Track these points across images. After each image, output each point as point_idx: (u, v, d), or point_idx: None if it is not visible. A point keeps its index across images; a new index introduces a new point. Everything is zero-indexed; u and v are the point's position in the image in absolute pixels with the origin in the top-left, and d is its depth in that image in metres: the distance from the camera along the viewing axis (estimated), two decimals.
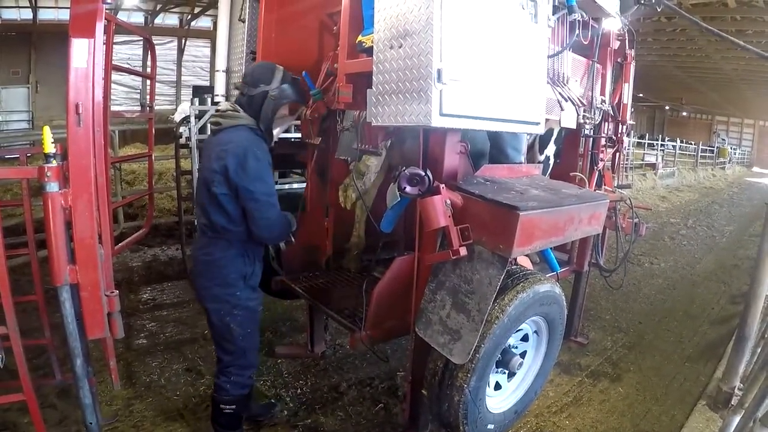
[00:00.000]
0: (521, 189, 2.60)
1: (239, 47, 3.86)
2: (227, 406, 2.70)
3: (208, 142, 2.70)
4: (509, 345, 2.77)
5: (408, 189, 2.37)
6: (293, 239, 2.96)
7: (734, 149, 33.59)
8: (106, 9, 2.28)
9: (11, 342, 2.22)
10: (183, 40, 22.10)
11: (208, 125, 5.31)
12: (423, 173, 2.35)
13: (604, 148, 4.12)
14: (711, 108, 40.17)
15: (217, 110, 2.61)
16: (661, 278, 6.93)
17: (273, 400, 3.37)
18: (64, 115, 2.11)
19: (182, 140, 5.73)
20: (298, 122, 3.62)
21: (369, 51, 2.47)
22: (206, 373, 3.69)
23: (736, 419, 2.75)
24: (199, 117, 5.39)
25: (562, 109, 3.30)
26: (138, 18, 20.32)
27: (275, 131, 2.68)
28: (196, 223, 5.30)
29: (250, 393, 2.90)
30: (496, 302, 2.41)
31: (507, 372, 2.86)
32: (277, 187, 5.21)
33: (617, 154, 4.35)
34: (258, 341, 2.83)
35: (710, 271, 7.50)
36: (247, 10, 3.71)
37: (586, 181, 3.85)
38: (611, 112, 4.09)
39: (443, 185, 2.37)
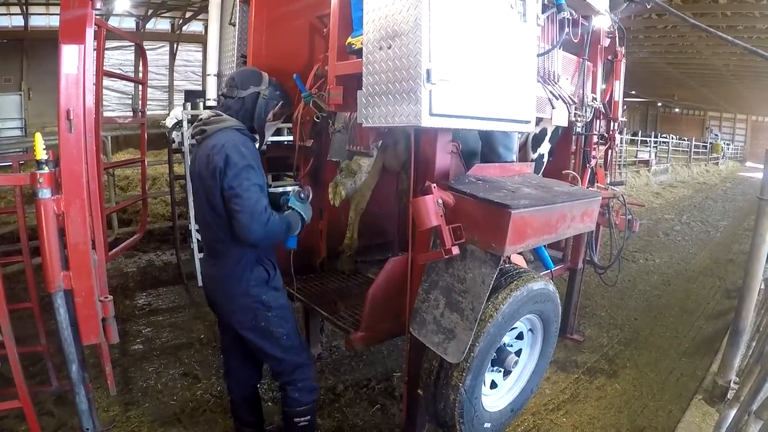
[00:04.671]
0: (513, 187, 2.61)
1: (230, 51, 3.86)
2: (302, 419, 2.60)
3: (194, 153, 2.51)
4: (504, 343, 2.78)
5: None
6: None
7: (727, 144, 33.70)
8: (96, 14, 2.28)
9: (7, 349, 2.22)
10: (175, 45, 22.09)
11: (188, 136, 5.27)
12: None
13: (596, 146, 4.14)
14: (703, 104, 40.32)
15: (198, 119, 2.51)
16: (656, 274, 6.96)
17: None
18: (56, 122, 2.11)
19: (175, 145, 5.73)
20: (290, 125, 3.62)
21: (359, 53, 2.48)
22: (203, 377, 3.69)
23: (732, 412, 2.77)
24: (191, 122, 5.38)
25: (553, 108, 3.32)
26: (129, 23, 20.30)
27: (267, 133, 2.66)
28: (190, 229, 5.34)
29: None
30: (490, 301, 2.42)
31: (502, 370, 2.87)
32: (270, 190, 5.23)
33: (609, 151, 4.37)
34: (300, 336, 2.71)
35: (705, 267, 7.53)
36: (237, 13, 3.72)
37: (579, 178, 3.86)
38: (603, 110, 4.11)
39: (435, 185, 2.38)
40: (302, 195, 2.54)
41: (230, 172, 2.23)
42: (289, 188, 2.63)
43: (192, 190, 2.55)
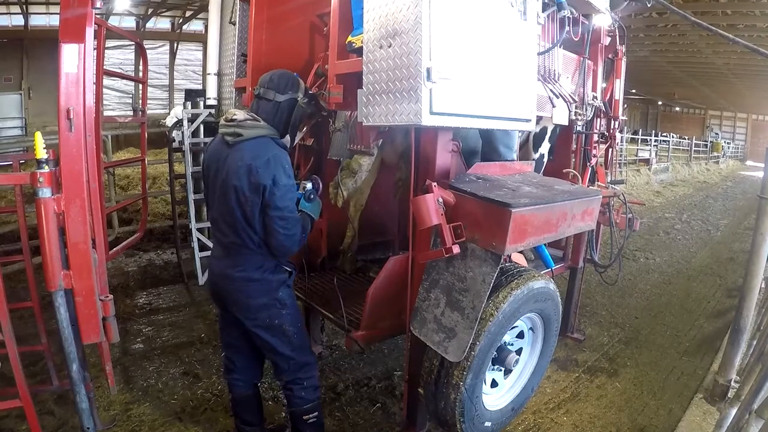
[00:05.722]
0: (514, 186, 2.61)
1: (230, 50, 3.87)
2: (311, 416, 2.63)
3: (220, 152, 2.43)
4: (505, 342, 2.78)
5: None
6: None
7: (728, 143, 33.67)
8: (96, 13, 2.28)
9: (7, 349, 2.22)
10: (175, 44, 22.04)
11: (189, 135, 5.27)
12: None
13: (596, 144, 4.14)
14: (704, 103, 40.26)
15: (230, 119, 2.41)
16: (656, 273, 6.96)
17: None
18: (56, 121, 2.11)
19: (175, 144, 5.72)
20: None
21: (359, 51, 2.48)
22: (203, 376, 3.69)
23: (733, 411, 2.77)
24: (191, 120, 5.38)
25: (553, 106, 3.32)
26: (129, 22, 20.26)
27: (295, 137, 2.63)
28: (191, 228, 5.34)
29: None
30: (491, 299, 2.42)
31: (503, 369, 2.87)
32: None
33: (610, 149, 4.37)
34: (306, 336, 2.77)
35: (706, 265, 7.52)
36: (238, 12, 3.72)
37: (579, 177, 3.86)
38: (603, 108, 4.11)
39: (435, 183, 2.38)
40: (311, 195, 2.56)
41: (278, 192, 2.29)
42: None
43: (215, 189, 2.46)
